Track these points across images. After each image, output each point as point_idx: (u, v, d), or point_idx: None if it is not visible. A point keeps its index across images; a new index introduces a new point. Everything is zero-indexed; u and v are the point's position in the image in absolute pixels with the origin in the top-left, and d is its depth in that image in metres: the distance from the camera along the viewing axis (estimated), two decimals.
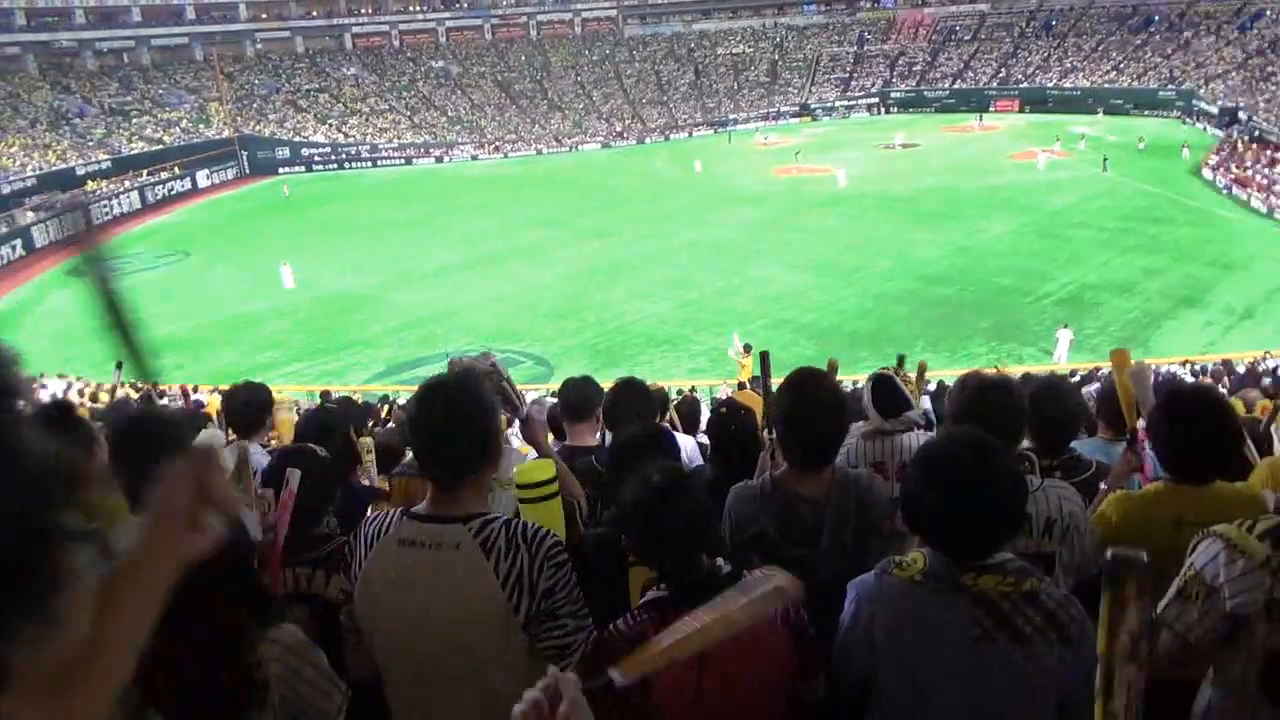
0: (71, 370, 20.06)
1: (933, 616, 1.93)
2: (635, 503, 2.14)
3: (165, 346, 24.28)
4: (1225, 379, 13.46)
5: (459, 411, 2.14)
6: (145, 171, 48.44)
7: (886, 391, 3.35)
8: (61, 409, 3.25)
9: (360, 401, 15.09)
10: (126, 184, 46.44)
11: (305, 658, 2.24)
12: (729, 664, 2.04)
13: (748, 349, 18.15)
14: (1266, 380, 11.08)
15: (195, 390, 16.76)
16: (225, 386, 15.77)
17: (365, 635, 2.24)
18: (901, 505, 2.11)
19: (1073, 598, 1.97)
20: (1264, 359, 16.34)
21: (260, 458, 3.78)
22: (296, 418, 5.88)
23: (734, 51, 74.63)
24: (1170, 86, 54.44)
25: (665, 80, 71.19)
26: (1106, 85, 57.80)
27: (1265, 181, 33.94)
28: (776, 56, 73.52)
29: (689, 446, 4.28)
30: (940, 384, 11.95)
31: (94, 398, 14.77)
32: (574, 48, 74.59)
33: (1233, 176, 35.58)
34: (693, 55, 74.23)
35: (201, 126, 55.92)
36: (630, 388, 4.08)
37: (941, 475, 1.95)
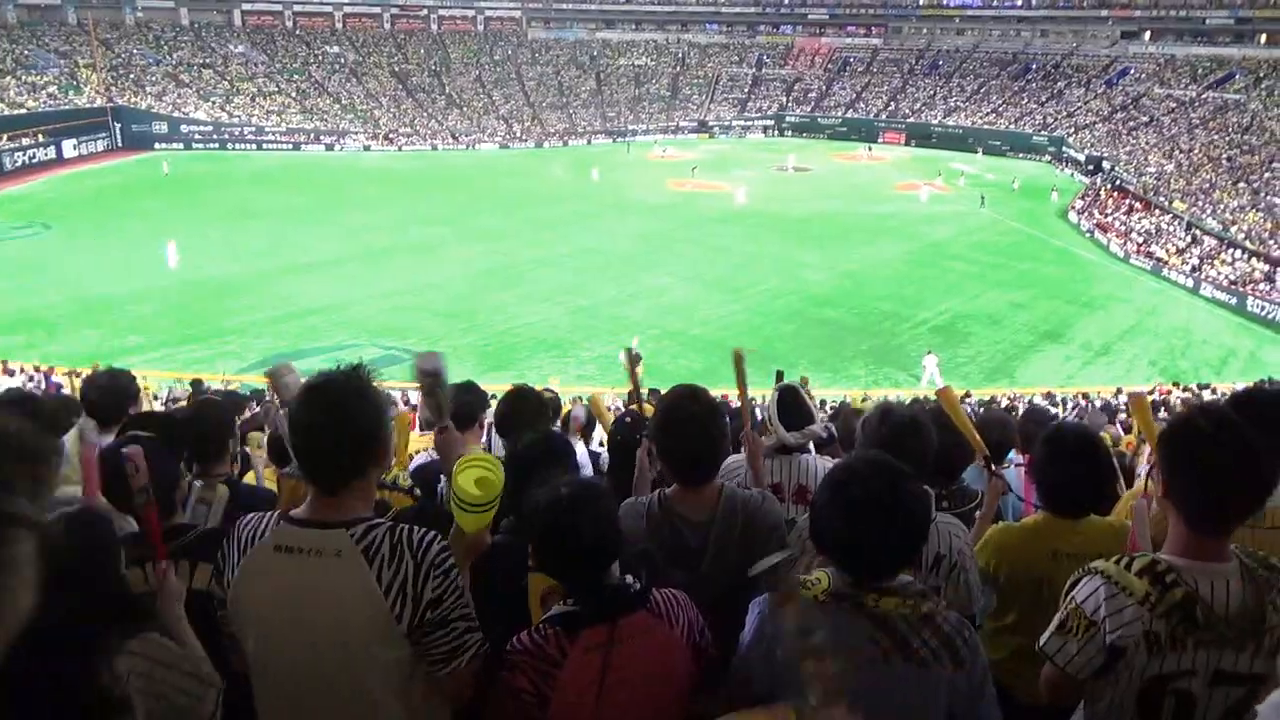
0: None
1: (835, 636, 1.95)
2: (544, 515, 2.08)
3: (17, 324, 22.67)
4: (1083, 412, 14.28)
5: (345, 412, 1.98)
6: (5, 136, 45.08)
7: (791, 404, 3.38)
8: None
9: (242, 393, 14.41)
10: None
11: (170, 664, 2.10)
12: (629, 681, 2.01)
13: (637, 358, 18.20)
14: (1122, 415, 11.80)
15: (51, 372, 15.68)
16: (83, 370, 14.85)
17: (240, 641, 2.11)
18: (810, 525, 2.12)
19: (966, 621, 2.02)
20: (1117, 395, 17.43)
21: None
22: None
23: (636, 63, 75.23)
24: (1043, 132, 57.84)
25: (567, 86, 71.13)
26: (986, 126, 60.93)
27: (1123, 228, 36.38)
28: (678, 71, 74.51)
29: (579, 455, 4.23)
30: (823, 403, 12.25)
31: None
32: (475, 45, 73.72)
33: (1095, 221, 38.01)
34: (595, 63, 74.45)
35: (71, 94, 52.49)
36: (523, 398, 3.98)
37: (853, 497, 1.97)
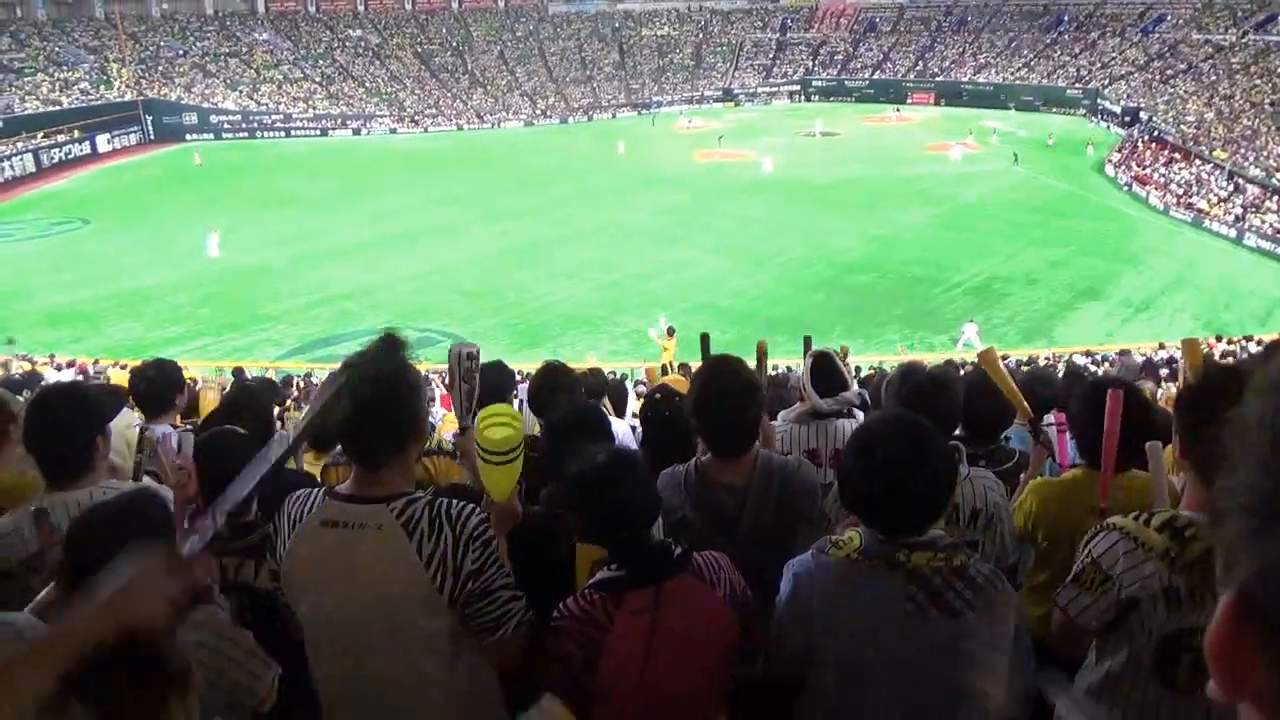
0: None
1: (868, 593, 1.98)
2: (584, 480, 2.13)
3: (60, 318, 23.15)
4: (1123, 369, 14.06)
5: (382, 390, 2.06)
6: (41, 133, 45.75)
7: (825, 370, 3.39)
8: None
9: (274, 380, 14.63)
10: (19, 146, 43.74)
11: (229, 638, 2.19)
12: (675, 643, 2.05)
13: (671, 332, 18.22)
14: (1164, 371, 11.63)
15: (96, 364, 16.03)
16: (128, 362, 15.16)
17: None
18: (838, 484, 2.15)
19: (999, 572, 2.04)
20: (1159, 350, 17.15)
21: (174, 440, 3.61)
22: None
23: (659, 33, 74.51)
24: (1077, 85, 56.53)
25: (589, 59, 70.68)
26: (1018, 82, 59.66)
27: (1163, 180, 35.59)
28: (701, 40, 73.73)
29: (621, 430, 4.27)
30: (857, 369, 12.19)
31: None
32: (497, 22, 73.39)
33: (1133, 174, 37.19)
34: (617, 35, 73.85)
35: (102, 88, 53.13)
36: (555, 373, 4.04)
37: (875, 455, 1.99)
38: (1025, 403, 3.27)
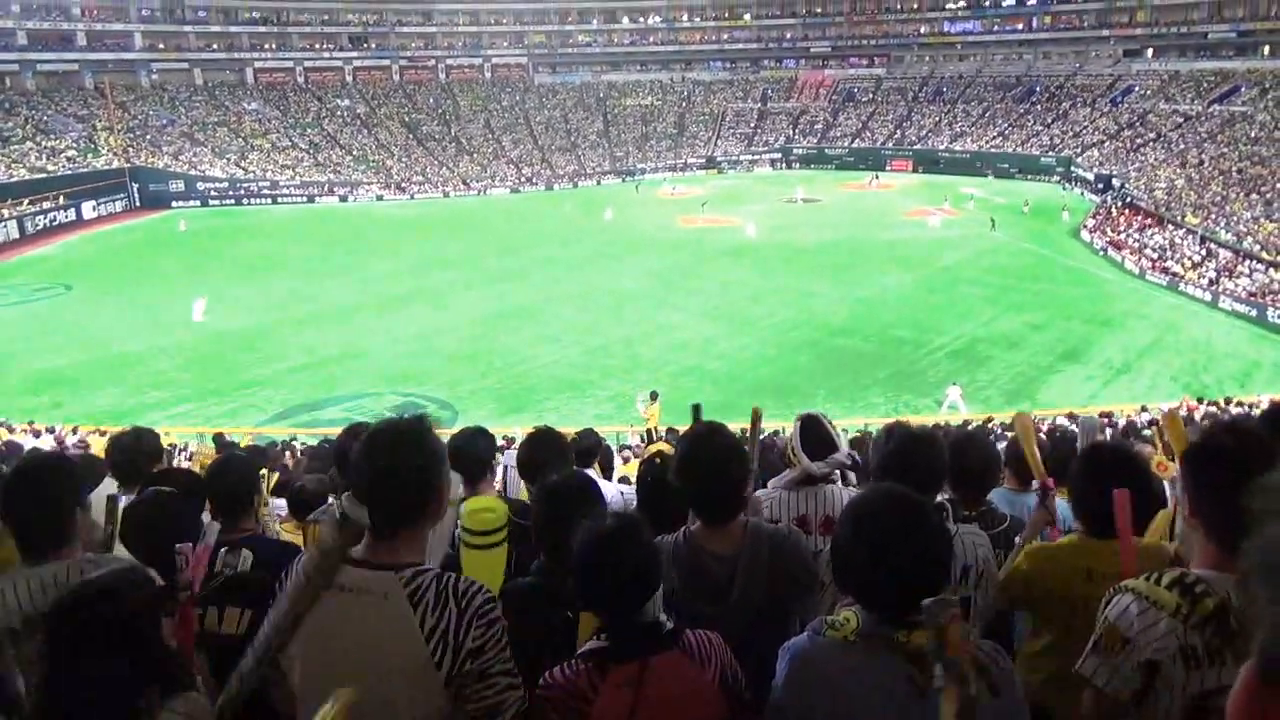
0: None
1: (867, 675, 1.93)
2: (589, 549, 2.10)
3: (42, 384, 22.93)
4: (1106, 431, 14.12)
5: (405, 460, 2.08)
6: (26, 200, 45.90)
7: (813, 432, 3.38)
8: None
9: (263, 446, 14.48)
10: (5, 213, 43.83)
11: None
12: (659, 718, 2.00)
13: (654, 396, 18.20)
14: (1147, 431, 11.68)
15: (75, 431, 15.83)
16: (109, 428, 14.99)
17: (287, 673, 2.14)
18: (832, 565, 2.11)
19: (1000, 648, 2.00)
20: (1141, 413, 17.25)
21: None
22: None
23: (642, 103, 76.09)
24: (1051, 153, 57.91)
25: (574, 128, 71.94)
26: (993, 150, 61.09)
27: (1137, 245, 36.27)
28: (684, 109, 75.30)
29: (610, 494, 4.23)
30: (844, 430, 12.17)
31: None
32: (483, 92, 74.80)
33: (1108, 239, 37.89)
34: (602, 104, 75.35)
35: (90, 156, 53.55)
36: (545, 439, 4.00)
37: (871, 539, 1.96)
38: (1043, 469, 3.29)
